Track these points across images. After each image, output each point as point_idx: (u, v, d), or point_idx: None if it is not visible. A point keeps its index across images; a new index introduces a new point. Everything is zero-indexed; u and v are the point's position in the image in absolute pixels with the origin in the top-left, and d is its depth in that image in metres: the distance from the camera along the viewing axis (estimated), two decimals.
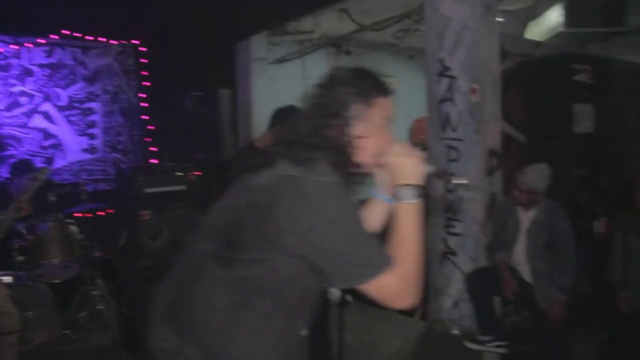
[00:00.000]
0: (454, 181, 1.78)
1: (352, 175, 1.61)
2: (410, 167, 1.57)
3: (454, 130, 4.37)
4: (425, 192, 1.56)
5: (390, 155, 1.59)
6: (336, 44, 7.37)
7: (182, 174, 4.74)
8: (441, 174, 1.77)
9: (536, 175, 3.85)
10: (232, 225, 1.52)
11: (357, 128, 1.57)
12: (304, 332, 1.75)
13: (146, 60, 6.20)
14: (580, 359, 4.40)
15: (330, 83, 1.61)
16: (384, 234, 1.60)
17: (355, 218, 1.47)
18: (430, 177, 1.63)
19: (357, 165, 1.60)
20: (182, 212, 4.67)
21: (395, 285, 1.43)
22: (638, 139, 5.99)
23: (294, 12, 6.04)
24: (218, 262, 1.53)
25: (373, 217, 1.81)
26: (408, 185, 1.54)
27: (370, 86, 1.60)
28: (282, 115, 3.52)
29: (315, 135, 1.55)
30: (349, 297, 4.03)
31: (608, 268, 4.17)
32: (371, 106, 1.58)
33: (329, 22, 6.64)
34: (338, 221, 1.42)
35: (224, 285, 1.51)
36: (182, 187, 4.69)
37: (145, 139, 6.11)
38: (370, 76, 1.64)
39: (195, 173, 4.84)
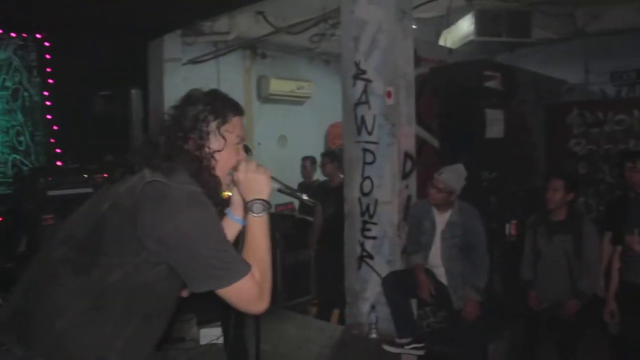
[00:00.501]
0: (303, 197, 1.95)
1: (210, 188, 1.66)
2: (257, 183, 1.69)
3: (369, 133, 4.38)
4: (269, 207, 1.68)
5: (240, 171, 1.70)
6: (252, 46, 7.28)
7: (88, 176, 4.46)
8: (288, 191, 1.86)
9: (453, 175, 3.91)
10: (91, 230, 1.54)
11: (213, 143, 1.66)
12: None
13: (50, 56, 5.83)
14: (494, 356, 4.51)
15: (187, 101, 1.69)
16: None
17: (216, 225, 1.56)
18: (279, 192, 1.81)
19: (215, 179, 1.67)
20: None
21: (251, 289, 1.54)
22: (542, 145, 6.28)
23: (209, 11, 5.90)
24: (72, 268, 1.52)
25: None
26: (256, 200, 1.66)
27: (225, 105, 1.70)
28: None
29: (173, 147, 1.62)
30: None
31: (519, 268, 4.30)
32: (226, 123, 1.67)
33: (245, 24, 6.55)
34: (200, 227, 1.48)
35: (76, 291, 1.50)
36: (88, 190, 4.40)
37: (49, 140, 5.73)
38: (224, 96, 1.74)
39: (103, 175, 4.57)
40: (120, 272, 1.48)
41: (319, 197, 5.60)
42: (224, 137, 1.67)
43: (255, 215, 1.66)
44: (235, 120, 1.71)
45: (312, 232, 5.56)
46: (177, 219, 1.46)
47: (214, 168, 1.66)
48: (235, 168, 1.71)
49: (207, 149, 1.64)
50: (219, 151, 1.66)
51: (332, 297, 5.40)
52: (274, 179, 1.75)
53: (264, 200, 1.67)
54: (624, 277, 3.72)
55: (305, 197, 1.95)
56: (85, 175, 4.47)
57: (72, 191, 4.32)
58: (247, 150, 1.81)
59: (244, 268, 1.53)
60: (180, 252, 1.48)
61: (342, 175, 5.44)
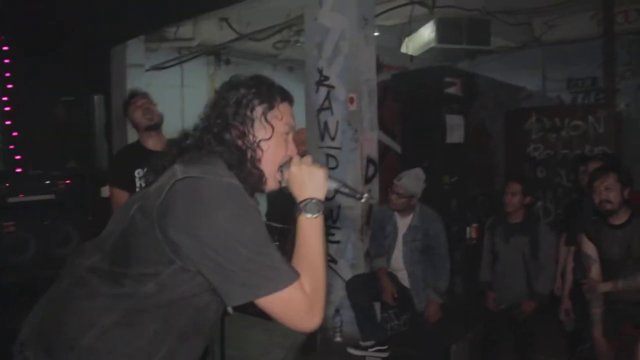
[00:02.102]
0: (362, 199, 1.67)
1: (254, 182, 1.48)
2: (314, 180, 1.48)
3: (332, 138, 4.43)
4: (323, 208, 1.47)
5: (294, 165, 1.49)
6: (216, 52, 7.27)
7: (50, 182, 4.38)
8: (347, 190, 1.64)
9: (412, 179, 3.98)
10: (120, 236, 1.38)
11: (259, 131, 1.47)
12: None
13: (9, 60, 5.70)
14: (456, 357, 4.59)
15: (231, 85, 1.51)
16: None
17: (257, 223, 1.34)
18: (335, 192, 1.59)
19: (260, 172, 1.49)
20: (52, 223, 4.30)
21: (298, 302, 1.31)
22: (502, 150, 6.43)
23: (173, 17, 5.87)
24: (102, 278, 1.37)
25: None
26: (311, 199, 1.45)
27: (272, 89, 1.52)
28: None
29: (211, 136, 1.45)
30: (230, 309, 3.92)
31: (478, 270, 4.40)
32: (273, 109, 1.49)
33: (209, 30, 6.54)
34: (238, 223, 1.29)
35: (106, 304, 1.35)
36: (50, 197, 4.32)
37: (8, 146, 5.60)
38: (271, 80, 1.56)
39: (66, 182, 4.49)
40: (154, 283, 1.33)
41: (279, 202, 5.61)
42: (271, 125, 1.47)
43: (309, 216, 1.43)
44: (283, 106, 1.51)
45: (288, 242, 5.55)
46: (212, 215, 1.27)
47: (259, 160, 1.47)
48: (287, 162, 1.51)
49: (251, 137, 1.45)
50: (266, 140, 1.47)
51: None
52: (331, 177, 1.53)
53: (319, 200, 1.46)
54: (577, 277, 3.86)
55: (365, 197, 1.67)
56: (47, 182, 4.38)
57: (33, 198, 4.24)
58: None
59: (290, 276, 1.31)
60: (214, 253, 1.27)
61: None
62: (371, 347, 4.01)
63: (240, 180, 1.39)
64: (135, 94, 3.43)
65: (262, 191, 1.53)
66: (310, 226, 1.43)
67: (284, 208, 5.86)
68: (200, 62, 7.30)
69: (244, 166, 1.44)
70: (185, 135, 1.52)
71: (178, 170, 1.34)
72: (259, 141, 1.46)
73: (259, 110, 1.47)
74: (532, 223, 4.16)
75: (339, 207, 4.35)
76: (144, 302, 1.34)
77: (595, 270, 3.24)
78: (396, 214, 4.08)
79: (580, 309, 3.77)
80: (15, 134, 5.58)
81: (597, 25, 6.61)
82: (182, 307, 1.38)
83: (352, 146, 4.30)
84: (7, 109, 5.65)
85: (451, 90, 4.99)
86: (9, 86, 5.68)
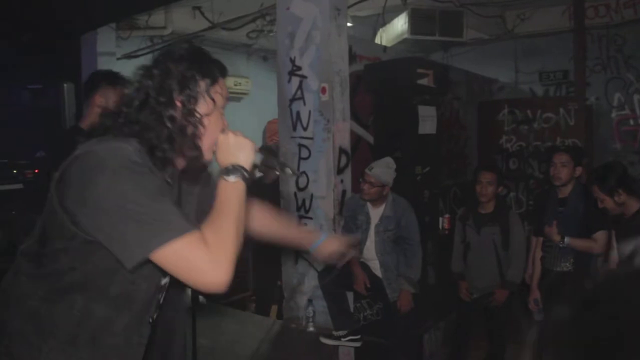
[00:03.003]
0: (288, 171, 1.78)
1: (191, 159, 1.51)
2: (240, 148, 1.50)
3: (304, 129, 4.41)
4: (250, 178, 1.50)
5: (221, 134, 1.52)
6: (188, 41, 7.16)
7: (17, 171, 4.27)
8: (273, 164, 1.73)
9: (383, 168, 3.99)
10: (42, 217, 1.41)
11: (202, 107, 1.47)
12: (141, 331, 1.56)
13: None
14: (428, 346, 4.64)
15: (168, 59, 1.48)
16: None
17: (141, 180, 1.31)
18: (261, 165, 1.62)
19: (199, 150, 1.50)
20: (19, 213, 4.20)
21: (199, 254, 1.27)
22: (474, 141, 6.48)
23: (144, 5, 5.77)
24: (29, 259, 1.42)
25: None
26: (234, 165, 1.46)
27: (213, 64, 1.53)
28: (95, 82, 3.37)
29: (152, 112, 1.43)
30: (202, 299, 3.91)
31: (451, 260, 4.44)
32: (215, 85, 1.50)
33: (182, 19, 6.46)
34: (122, 180, 1.28)
35: (31, 283, 1.39)
36: (18, 186, 4.22)
37: None
38: (209, 55, 1.56)
39: (34, 171, 4.38)
40: (66, 258, 1.35)
41: (254, 193, 5.58)
42: (213, 100, 1.49)
43: (231, 179, 1.44)
44: (222, 81, 1.53)
45: None
46: (95, 180, 1.28)
47: (200, 136, 1.48)
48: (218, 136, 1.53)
49: (196, 114, 1.46)
50: (207, 115, 1.48)
51: (269, 293, 5.40)
52: (258, 150, 1.57)
53: (243, 168, 1.47)
54: (544, 266, 3.92)
55: (290, 171, 1.78)
56: (15, 171, 4.27)
57: (0, 187, 4.13)
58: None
59: (183, 227, 1.28)
60: (103, 215, 1.28)
61: (277, 172, 5.43)
62: (344, 336, 4.02)
63: (167, 157, 1.41)
64: (117, 80, 3.32)
65: (200, 165, 1.55)
66: (230, 189, 1.43)
67: (255, 198, 5.86)
68: None
69: (172, 144, 1.43)
70: (117, 112, 1.48)
71: (79, 148, 1.37)
72: (202, 117, 1.47)
73: (202, 85, 1.47)
74: (503, 212, 4.22)
75: (311, 196, 4.33)
76: (63, 279, 1.37)
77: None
78: (368, 204, 4.09)
79: (548, 299, 3.84)
80: None
81: (568, 19, 6.70)
82: (103, 282, 1.39)
83: (324, 136, 4.29)
84: None
85: (424, 81, 4.99)
86: None
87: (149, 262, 1.30)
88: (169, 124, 1.43)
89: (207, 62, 1.51)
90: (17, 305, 1.39)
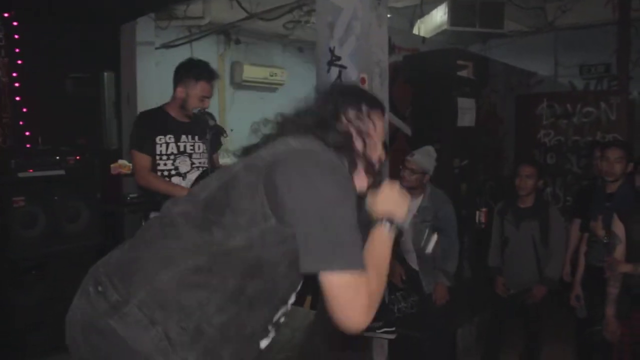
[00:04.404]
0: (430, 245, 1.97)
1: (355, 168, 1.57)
2: (402, 202, 1.58)
3: None
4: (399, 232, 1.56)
5: (386, 183, 1.61)
6: (225, 31, 7.22)
7: (59, 158, 4.33)
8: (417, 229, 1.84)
9: (424, 156, 3.97)
10: (220, 188, 1.42)
11: (365, 125, 1.59)
12: (266, 338, 1.55)
13: (19, 36, 5.67)
14: (462, 341, 4.60)
15: (333, 91, 1.67)
16: None
17: (352, 202, 1.36)
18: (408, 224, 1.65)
19: (371, 160, 1.59)
20: (61, 198, 4.27)
21: (363, 294, 1.30)
22: (512, 135, 6.38)
23: None
24: (193, 223, 1.40)
25: None
26: (392, 216, 1.53)
27: (371, 99, 1.66)
28: (187, 70, 3.46)
29: (327, 116, 1.56)
30: None
31: (487, 255, 4.38)
32: (375, 116, 1.62)
33: (219, 9, 6.49)
34: (338, 194, 1.33)
35: (192, 248, 1.36)
36: (60, 172, 4.28)
37: (18, 122, 5.58)
38: (368, 92, 1.73)
39: (75, 158, 4.44)
40: (245, 237, 1.35)
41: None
42: (374, 122, 1.60)
43: (387, 230, 1.50)
44: (379, 116, 1.65)
45: None
46: (315, 180, 1.34)
47: (364, 150, 1.57)
48: (375, 170, 1.63)
49: (361, 126, 1.58)
50: (369, 134, 1.58)
51: (305, 283, 5.42)
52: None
53: (399, 221, 1.54)
54: (588, 262, 3.85)
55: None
56: (57, 157, 4.34)
57: (43, 173, 4.17)
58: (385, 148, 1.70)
59: (358, 261, 1.32)
60: (310, 215, 1.31)
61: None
62: (378, 328, 4.01)
63: (348, 154, 1.52)
64: (213, 77, 3.49)
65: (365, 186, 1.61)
66: (386, 239, 1.50)
67: None
68: (209, 41, 7.24)
69: (350, 151, 1.53)
70: (299, 113, 1.63)
71: (292, 142, 1.46)
72: (366, 131, 1.58)
73: (364, 108, 1.60)
74: (543, 208, 4.15)
75: None
76: (230, 255, 1.35)
77: (619, 251, 3.24)
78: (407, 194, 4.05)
79: (591, 296, 3.77)
80: (24, 110, 5.57)
81: (611, 11, 6.53)
82: (264, 271, 1.39)
83: None
84: (16, 85, 5.62)
85: (463, 73, 4.94)
86: (19, 62, 5.65)
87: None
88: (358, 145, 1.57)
89: (368, 96, 1.68)
90: (167, 263, 1.36)
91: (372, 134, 1.59)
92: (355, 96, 1.63)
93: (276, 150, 1.44)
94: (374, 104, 1.64)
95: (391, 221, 1.51)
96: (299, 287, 1.57)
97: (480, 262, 4.56)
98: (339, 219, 1.31)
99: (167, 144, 3.42)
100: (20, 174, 4.10)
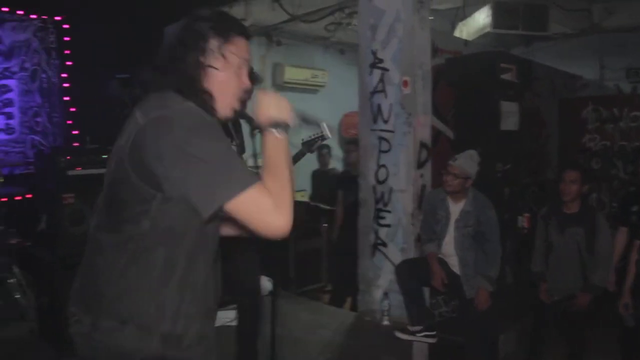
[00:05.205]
0: (324, 127, 1.90)
1: (205, 106, 1.57)
2: (280, 105, 1.59)
3: (385, 122, 4.40)
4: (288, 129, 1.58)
5: (260, 92, 1.62)
6: (267, 33, 7.29)
7: (106, 157, 4.43)
8: (308, 119, 1.79)
9: (467, 160, 3.93)
10: (108, 189, 1.52)
11: (214, 62, 1.58)
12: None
13: (69, 38, 5.84)
14: (503, 347, 4.53)
15: (189, 19, 1.62)
16: None
17: (216, 135, 1.44)
18: (299, 122, 1.70)
19: (210, 96, 1.59)
20: None
21: (265, 201, 1.39)
22: (556, 139, 6.27)
23: None
24: (106, 230, 1.52)
25: None
26: (278, 120, 1.55)
27: (230, 24, 1.63)
28: None
29: (171, 62, 1.57)
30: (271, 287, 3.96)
31: (530, 260, 4.31)
32: (229, 43, 1.59)
33: (261, 11, 6.55)
34: (198, 133, 1.40)
35: (114, 250, 1.49)
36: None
37: (67, 121, 5.75)
38: (230, 17, 1.68)
39: None
40: (147, 219, 1.45)
41: (341, 185, 5.62)
42: (224, 57, 1.58)
43: (276, 134, 1.53)
44: (239, 40, 1.62)
45: (333, 220, 5.57)
46: (172, 132, 1.39)
47: (210, 86, 1.58)
48: (241, 94, 1.64)
49: (207, 66, 1.57)
50: (218, 70, 1.58)
51: (345, 285, 5.44)
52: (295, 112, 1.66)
53: (286, 124, 1.57)
54: (638, 270, 3.75)
55: (325, 125, 1.87)
56: (104, 156, 4.45)
57: (91, 171, 4.28)
58: (256, 78, 1.72)
59: (252, 179, 1.41)
60: (182, 167, 1.38)
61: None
62: (419, 332, 4.00)
63: (197, 104, 1.50)
64: (257, 80, 3.38)
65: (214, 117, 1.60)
66: (278, 144, 1.53)
67: (328, 190, 5.89)
68: (252, 43, 7.29)
69: (197, 90, 1.55)
70: (145, 72, 1.63)
71: (139, 117, 1.46)
72: (209, 67, 1.57)
73: (214, 42, 1.58)
74: (589, 214, 4.05)
75: (390, 190, 4.32)
76: (145, 239, 1.46)
77: None
78: (449, 198, 4.03)
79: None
80: (73, 109, 5.73)
81: None
82: (179, 234, 1.49)
83: (405, 130, 4.26)
84: (66, 85, 5.79)
85: (507, 76, 4.88)
86: (68, 63, 5.81)
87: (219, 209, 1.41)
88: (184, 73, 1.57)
89: (224, 23, 1.61)
90: (105, 274, 1.50)
91: (225, 66, 1.59)
92: (204, 34, 1.58)
93: (129, 133, 1.47)
94: (227, 34, 1.60)
95: (277, 125, 1.54)
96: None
97: (522, 268, 4.49)
98: (207, 156, 1.38)
99: None
100: (69, 172, 4.22)
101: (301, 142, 2.95)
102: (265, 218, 1.40)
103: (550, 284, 4.12)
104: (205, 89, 1.57)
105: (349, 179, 5.50)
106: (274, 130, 1.54)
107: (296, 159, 2.27)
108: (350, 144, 5.57)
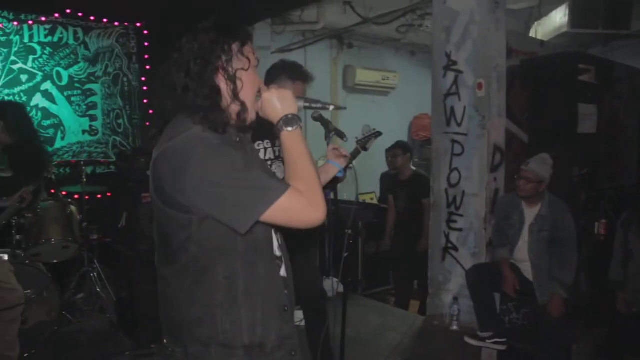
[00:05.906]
0: (330, 107, 1.86)
1: (237, 114, 1.61)
2: (284, 99, 1.61)
3: (458, 124, 4.36)
4: (300, 121, 1.60)
5: (264, 92, 1.63)
6: (339, 36, 7.35)
7: None
8: (315, 105, 1.83)
9: (540, 164, 3.85)
10: (155, 220, 1.58)
11: (239, 63, 1.59)
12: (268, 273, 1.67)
13: (149, 44, 6.12)
14: (577, 357, 4.41)
15: (193, 37, 1.61)
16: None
17: (227, 155, 1.45)
18: (304, 108, 1.76)
19: (242, 104, 1.60)
20: None
21: (294, 202, 1.44)
22: (636, 142, 6.02)
23: (298, 1, 6.00)
24: (164, 263, 1.58)
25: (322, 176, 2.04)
26: (287, 114, 1.59)
27: (238, 27, 1.65)
28: (281, 71, 3.17)
29: (182, 86, 1.56)
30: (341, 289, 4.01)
31: (608, 268, 4.17)
32: (246, 45, 1.62)
33: (333, 14, 6.62)
34: (210, 163, 1.41)
35: (177, 280, 1.55)
36: None
37: (146, 123, 6.02)
38: (234, 19, 1.68)
39: None
40: (193, 244, 1.49)
41: (388, 189, 5.63)
42: (247, 58, 1.60)
43: (290, 130, 1.57)
44: (250, 44, 1.64)
45: (388, 218, 5.58)
46: (187, 162, 1.41)
47: (239, 92, 1.59)
48: (258, 92, 1.64)
49: (230, 70, 1.57)
50: (244, 70, 1.59)
51: (407, 288, 5.43)
52: (297, 97, 1.68)
53: (294, 114, 1.60)
54: None
55: (332, 107, 1.87)
56: None
57: None
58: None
59: (281, 187, 1.44)
60: (207, 198, 1.41)
61: (413, 168, 5.44)
62: (489, 338, 3.95)
63: (213, 118, 1.52)
64: (297, 74, 3.13)
65: (245, 122, 1.64)
66: (292, 138, 1.57)
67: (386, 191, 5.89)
68: (323, 46, 7.39)
69: (215, 104, 1.54)
70: (162, 104, 1.60)
71: (154, 153, 1.52)
72: (237, 71, 1.58)
73: (234, 47, 1.59)
74: None
75: (463, 193, 4.28)
76: (198, 263, 1.51)
77: None
78: (523, 203, 3.96)
79: None
80: (151, 112, 5.98)
81: None
82: (231, 245, 1.51)
83: (478, 133, 4.22)
84: (145, 88, 6.06)
85: (585, 77, 4.73)
86: (148, 67, 6.08)
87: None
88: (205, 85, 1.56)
89: (236, 28, 1.63)
90: (176, 304, 1.56)
91: (249, 66, 1.61)
92: (215, 48, 1.57)
93: (155, 159, 1.50)
94: (243, 37, 1.61)
95: (286, 119, 1.58)
96: (274, 236, 1.67)
97: (598, 276, 4.35)
98: (223, 181, 1.40)
99: (265, 149, 3.24)
100: (149, 172, 4.40)
101: (355, 140, 2.90)
102: (301, 218, 1.47)
103: (629, 294, 3.98)
104: (237, 95, 1.58)
105: (395, 183, 5.49)
106: (288, 128, 1.58)
107: (351, 158, 2.28)
108: (396, 147, 5.53)
